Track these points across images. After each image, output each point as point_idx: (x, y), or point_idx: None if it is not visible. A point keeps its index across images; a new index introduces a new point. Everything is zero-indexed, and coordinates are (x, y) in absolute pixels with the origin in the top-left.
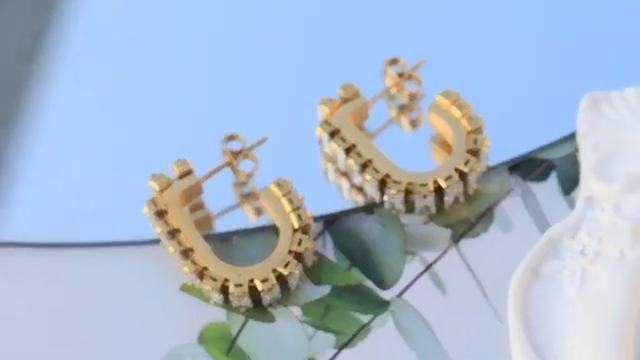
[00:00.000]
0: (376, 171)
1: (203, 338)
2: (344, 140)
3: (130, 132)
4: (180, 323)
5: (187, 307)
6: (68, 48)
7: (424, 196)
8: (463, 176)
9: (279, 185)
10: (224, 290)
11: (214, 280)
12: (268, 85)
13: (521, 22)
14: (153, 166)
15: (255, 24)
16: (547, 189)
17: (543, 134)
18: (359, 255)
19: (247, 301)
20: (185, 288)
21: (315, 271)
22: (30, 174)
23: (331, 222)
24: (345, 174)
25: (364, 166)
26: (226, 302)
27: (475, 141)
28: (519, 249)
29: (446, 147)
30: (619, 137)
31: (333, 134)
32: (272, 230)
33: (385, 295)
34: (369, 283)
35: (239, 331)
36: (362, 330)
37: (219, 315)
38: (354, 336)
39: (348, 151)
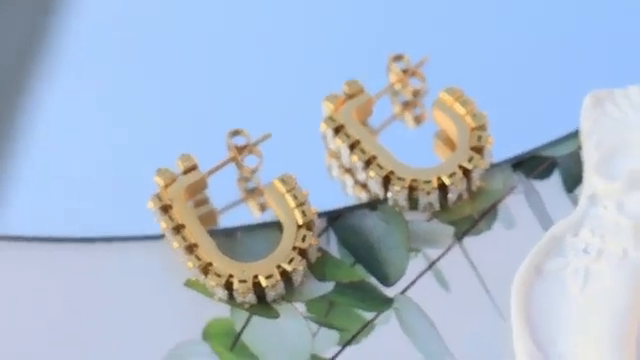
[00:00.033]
0: (380, 167)
1: (207, 334)
2: (348, 136)
3: (135, 128)
4: (184, 319)
5: (191, 303)
6: (69, 47)
7: (428, 193)
8: (467, 173)
9: (283, 181)
10: (228, 286)
11: (218, 276)
12: (273, 81)
13: (525, 19)
14: (158, 161)
15: (260, 20)
16: (550, 186)
17: (546, 131)
18: (363, 252)
19: (251, 297)
20: (189, 284)
21: (319, 267)
22: (34, 170)
23: (335, 218)
24: (349, 170)
25: (368, 162)
26: (230, 298)
27: (479, 138)
28: (522, 246)
29: (450, 144)
30: (622, 135)
31: (337, 130)
32: (276, 226)
33: (389, 292)
34: (373, 280)
35: (243, 327)
36: (366, 327)
37: (223, 311)
38: (358, 333)
39: (352, 147)
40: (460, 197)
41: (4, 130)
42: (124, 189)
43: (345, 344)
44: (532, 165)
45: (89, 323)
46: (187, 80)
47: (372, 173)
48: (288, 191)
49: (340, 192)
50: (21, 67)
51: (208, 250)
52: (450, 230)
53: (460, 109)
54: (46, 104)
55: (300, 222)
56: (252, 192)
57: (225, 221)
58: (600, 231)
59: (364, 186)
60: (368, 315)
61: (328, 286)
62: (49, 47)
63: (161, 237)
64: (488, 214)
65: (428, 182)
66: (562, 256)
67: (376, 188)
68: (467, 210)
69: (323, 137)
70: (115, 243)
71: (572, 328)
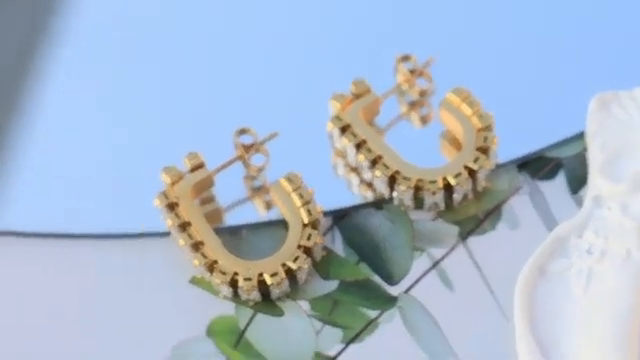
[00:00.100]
0: (386, 167)
1: (211, 331)
2: (355, 136)
3: (142, 127)
4: (189, 316)
5: (196, 300)
6: (70, 47)
7: (433, 193)
8: (472, 173)
9: (289, 179)
10: (233, 283)
11: (223, 273)
12: (280, 80)
13: (532, 21)
14: (166, 159)
15: (268, 18)
16: (555, 187)
17: (552, 133)
18: (368, 250)
19: (256, 295)
20: (194, 281)
21: (324, 266)
22: (40, 168)
23: (340, 217)
24: (355, 169)
25: (374, 162)
26: (235, 295)
27: (485, 139)
28: (526, 247)
29: (456, 144)
30: (628, 137)
31: (344, 129)
32: (282, 224)
33: (393, 291)
34: (377, 278)
35: (247, 324)
36: (369, 325)
37: (228, 308)
38: (361, 331)
39: (358, 147)
40: (465, 197)
41: (6, 130)
42: (130, 187)
43: (349, 342)
44: (537, 166)
45: (94, 319)
46: (194, 79)
47: (378, 172)
48: (294, 190)
49: (346, 191)
50: (21, 67)
51: (214, 248)
52: (455, 230)
53: (466, 110)
54: (48, 104)
55: (306, 221)
56: (258, 190)
57: (231, 219)
58: (604, 232)
59: (370, 185)
60: (372, 313)
61: (332, 284)
62: (49, 47)
63: (167, 234)
64: (493, 214)
65: (434, 182)
66: (566, 257)
67: (382, 187)
68: (472, 210)
69: (329, 136)
70: (121, 240)
71: (575, 329)
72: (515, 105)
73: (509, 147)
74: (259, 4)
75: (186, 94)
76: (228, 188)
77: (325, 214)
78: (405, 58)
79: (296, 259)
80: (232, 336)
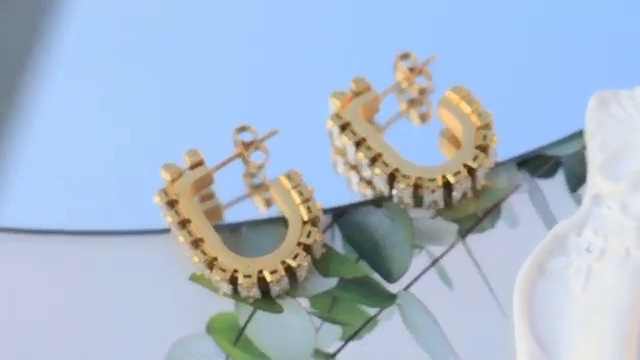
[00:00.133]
0: (385, 165)
1: (211, 328)
2: (354, 133)
3: (143, 123)
4: (188, 313)
5: (196, 297)
6: (70, 46)
7: (432, 191)
8: (471, 172)
9: (289, 177)
10: (233, 281)
11: (223, 271)
12: (280, 78)
13: (531, 19)
14: (165, 156)
15: (267, 16)
16: (554, 186)
17: (551, 131)
18: (367, 248)
19: (256, 292)
20: (194, 278)
21: (323, 263)
22: (41, 167)
23: (340, 215)
24: (355, 167)
25: (374, 160)
26: (235, 292)
27: (484, 137)
28: (525, 245)
29: (455, 142)
30: (627, 136)
31: (344, 127)
32: (281, 222)
33: (392, 288)
34: (376, 276)
35: (247, 321)
36: (369, 322)
37: (227, 305)
38: (361, 328)
39: (358, 144)
40: (464, 195)
41: (5, 128)
42: (130, 184)
43: (348, 339)
44: (536, 164)
45: (94, 316)
46: (194, 76)
47: (377, 170)
48: (294, 187)
49: (345, 189)
50: (21, 65)
51: (213, 245)
52: (454, 228)
53: (466, 108)
54: (47, 100)
55: (305, 218)
56: (258, 188)
57: (231, 216)
58: (603, 231)
59: (369, 183)
60: (371, 311)
61: (332, 282)
62: (49, 45)
63: (167, 231)
64: (492, 212)
65: (433, 180)
66: (565, 255)
67: (381, 185)
68: (471, 208)
69: (329, 134)
70: (121, 237)
71: (574, 327)
72: (514, 103)
73: (508, 145)
74: (259, 2)
75: (186, 92)
76: (228, 185)
77: (325, 212)
78: (405, 56)
79: (296, 256)
80: (232, 333)
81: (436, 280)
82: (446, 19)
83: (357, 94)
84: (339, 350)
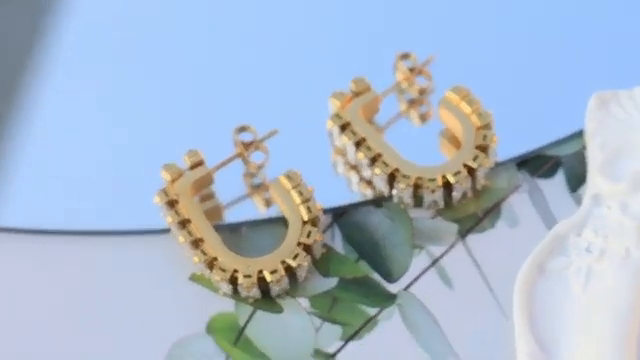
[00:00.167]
0: (385, 165)
1: (211, 328)
2: (354, 133)
3: (143, 123)
4: (188, 313)
5: (196, 297)
6: (70, 46)
7: (432, 191)
8: (471, 172)
9: (289, 177)
10: (233, 281)
11: (223, 271)
12: (280, 78)
13: (531, 19)
14: (166, 156)
15: (267, 16)
16: (554, 186)
17: (551, 131)
18: (367, 248)
19: (256, 292)
20: (194, 278)
21: (323, 263)
22: (40, 167)
23: (340, 215)
24: (355, 167)
25: (374, 160)
26: (235, 292)
27: (484, 137)
28: (525, 245)
29: (455, 142)
30: (627, 136)
31: (344, 127)
32: (281, 222)
33: (392, 288)
34: (376, 276)
35: (247, 321)
36: (369, 322)
37: (227, 305)
38: (361, 328)
39: (358, 145)
40: (464, 195)
41: (5, 127)
42: (130, 184)
43: (348, 339)
44: (536, 164)
45: (94, 316)
46: (194, 76)
47: (377, 170)
48: (294, 187)
49: (345, 189)
50: (20, 65)
51: (213, 245)
52: (454, 228)
53: (466, 108)
54: (47, 100)
55: (305, 218)
56: (258, 188)
57: (230, 216)
58: (603, 231)
59: (369, 183)
60: (371, 311)
61: (332, 282)
62: (48, 45)
63: (167, 231)
64: (492, 212)
65: (433, 180)
66: (565, 255)
67: (381, 185)
68: (471, 208)
69: (329, 134)
70: (121, 237)
71: (574, 327)
72: (514, 103)
73: (508, 145)
74: (258, 2)
75: (186, 92)
76: (228, 185)
77: (325, 212)
78: (405, 56)
79: (296, 256)
80: (232, 333)
81: (436, 280)
82: (446, 19)
83: (357, 94)
84: (339, 350)
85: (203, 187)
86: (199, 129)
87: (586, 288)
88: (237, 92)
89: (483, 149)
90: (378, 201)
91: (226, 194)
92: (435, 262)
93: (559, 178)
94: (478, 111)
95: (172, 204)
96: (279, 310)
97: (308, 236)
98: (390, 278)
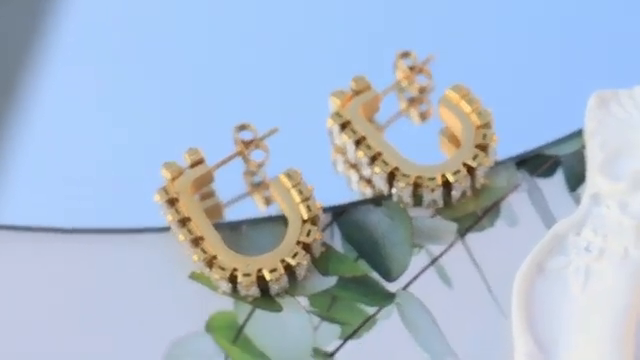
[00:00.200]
0: (385, 164)
1: (210, 326)
2: (354, 132)
3: (143, 122)
4: (188, 311)
5: (195, 295)
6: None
7: (432, 190)
8: (471, 171)
9: (289, 176)
10: (232, 279)
11: (223, 269)
12: (280, 76)
13: (531, 19)
14: (166, 154)
15: (267, 15)
16: (553, 185)
17: (551, 130)
18: (366, 247)
19: (255, 290)
20: (194, 276)
21: (322, 262)
22: (41, 164)
23: (339, 213)
24: (354, 166)
25: (373, 158)
26: (234, 291)
27: (484, 136)
28: (525, 244)
29: (454, 141)
30: (627, 135)
31: (344, 126)
32: (281, 220)
33: (391, 287)
34: (375, 275)
35: (246, 320)
36: (367, 321)
37: (227, 304)
38: (360, 327)
39: (358, 143)
40: (464, 194)
41: (5, 127)
42: (130, 182)
43: (347, 338)
44: (536, 163)
45: (93, 314)
46: (194, 75)
47: (377, 169)
48: (293, 186)
49: (345, 187)
50: (20, 64)
51: (213, 243)
52: (453, 227)
53: (466, 107)
54: (47, 99)
55: (305, 217)
56: (258, 186)
57: (230, 215)
58: (602, 230)
59: (369, 182)
60: (370, 310)
61: (331, 280)
62: (48, 44)
63: (166, 229)
64: (491, 211)
65: (432, 179)
66: (564, 254)
67: (381, 184)
68: (470, 207)
69: (329, 133)
70: (121, 235)
71: (573, 327)
72: (514, 103)
73: (508, 144)
74: (258, 1)
75: (186, 90)
76: (228, 184)
77: (324, 210)
78: (405, 55)
79: (295, 255)
80: (231, 331)
81: (435, 279)
82: (446, 18)
83: (357, 93)
84: (338, 349)
85: (203, 185)
86: (199, 127)
87: (585, 287)
88: (237, 90)
89: (483, 148)
90: (378, 200)
91: (226, 192)
92: (434, 261)
93: (558, 177)
94: (478, 110)
95: (172, 202)
96: (278, 309)
97: (308, 235)
98: (389, 277)
